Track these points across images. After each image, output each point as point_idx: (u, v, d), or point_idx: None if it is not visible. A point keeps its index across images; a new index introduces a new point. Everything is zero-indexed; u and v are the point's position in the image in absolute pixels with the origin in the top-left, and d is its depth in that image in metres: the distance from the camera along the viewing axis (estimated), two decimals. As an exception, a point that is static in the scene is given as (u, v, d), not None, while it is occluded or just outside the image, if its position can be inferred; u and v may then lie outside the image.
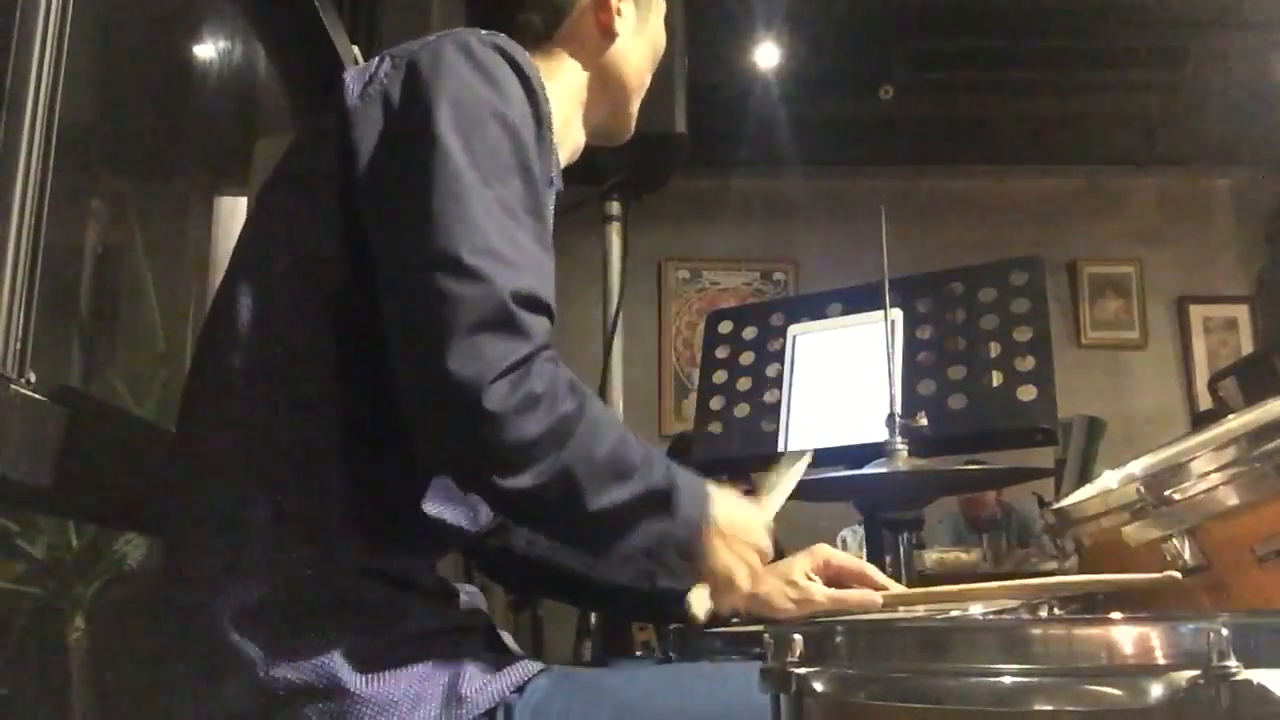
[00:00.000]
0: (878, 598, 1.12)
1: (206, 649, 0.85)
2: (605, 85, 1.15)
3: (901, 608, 1.13)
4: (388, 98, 0.92)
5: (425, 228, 0.84)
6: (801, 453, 1.29)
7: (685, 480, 0.93)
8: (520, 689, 0.89)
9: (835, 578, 1.16)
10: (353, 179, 0.91)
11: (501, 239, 0.85)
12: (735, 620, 1.15)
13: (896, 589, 1.15)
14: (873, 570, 1.17)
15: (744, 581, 0.98)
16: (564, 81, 1.11)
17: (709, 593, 0.99)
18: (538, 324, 0.84)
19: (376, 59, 0.96)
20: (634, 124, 1.21)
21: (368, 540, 0.89)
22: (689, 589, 1.00)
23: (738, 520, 0.99)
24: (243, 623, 0.84)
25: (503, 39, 0.97)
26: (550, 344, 0.85)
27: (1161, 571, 0.96)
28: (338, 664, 0.83)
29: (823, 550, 1.17)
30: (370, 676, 0.84)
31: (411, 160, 0.87)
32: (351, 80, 0.94)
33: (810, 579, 1.14)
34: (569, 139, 1.14)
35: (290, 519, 0.87)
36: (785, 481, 1.23)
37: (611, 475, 0.86)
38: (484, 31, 0.98)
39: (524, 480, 0.82)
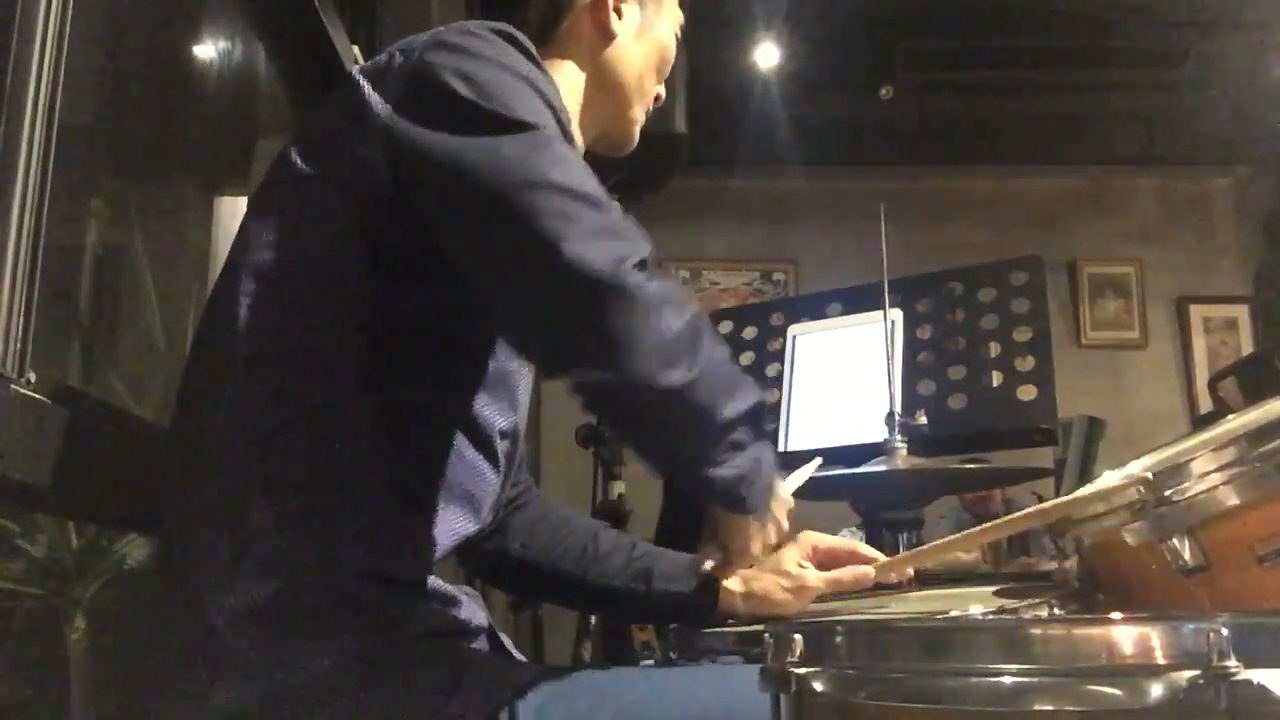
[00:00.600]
0: (870, 570, 1.12)
1: (206, 650, 0.84)
2: (602, 86, 1.14)
3: (894, 574, 1.15)
4: (413, 90, 0.90)
5: (512, 166, 0.83)
6: (811, 457, 1.30)
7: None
8: (521, 692, 0.89)
9: (825, 560, 1.16)
10: (374, 175, 0.89)
11: (587, 175, 0.86)
12: (734, 621, 1.15)
13: (884, 559, 1.16)
14: (859, 545, 1.18)
15: (756, 546, 1.03)
16: (562, 81, 1.11)
17: (746, 538, 1.03)
18: (645, 236, 0.85)
19: (385, 56, 0.95)
20: (637, 133, 1.20)
21: (370, 542, 0.89)
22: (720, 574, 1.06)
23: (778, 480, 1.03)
24: (242, 624, 0.84)
25: (503, 25, 0.97)
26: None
27: (1164, 571, 0.96)
28: (338, 666, 0.83)
29: (809, 536, 1.18)
30: (369, 677, 0.84)
31: (471, 130, 0.86)
32: (362, 79, 0.93)
33: (802, 566, 1.15)
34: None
35: (289, 521, 0.87)
36: (790, 482, 1.24)
37: (733, 384, 0.87)
38: (488, 22, 0.98)
39: (676, 376, 0.81)
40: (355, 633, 0.85)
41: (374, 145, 0.89)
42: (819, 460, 1.31)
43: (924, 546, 1.21)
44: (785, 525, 1.06)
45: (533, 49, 0.96)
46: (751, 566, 1.11)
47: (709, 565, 1.06)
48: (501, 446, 1.04)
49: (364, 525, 0.89)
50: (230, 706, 0.83)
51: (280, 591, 0.85)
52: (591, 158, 1.19)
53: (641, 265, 0.80)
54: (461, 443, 0.98)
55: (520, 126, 0.86)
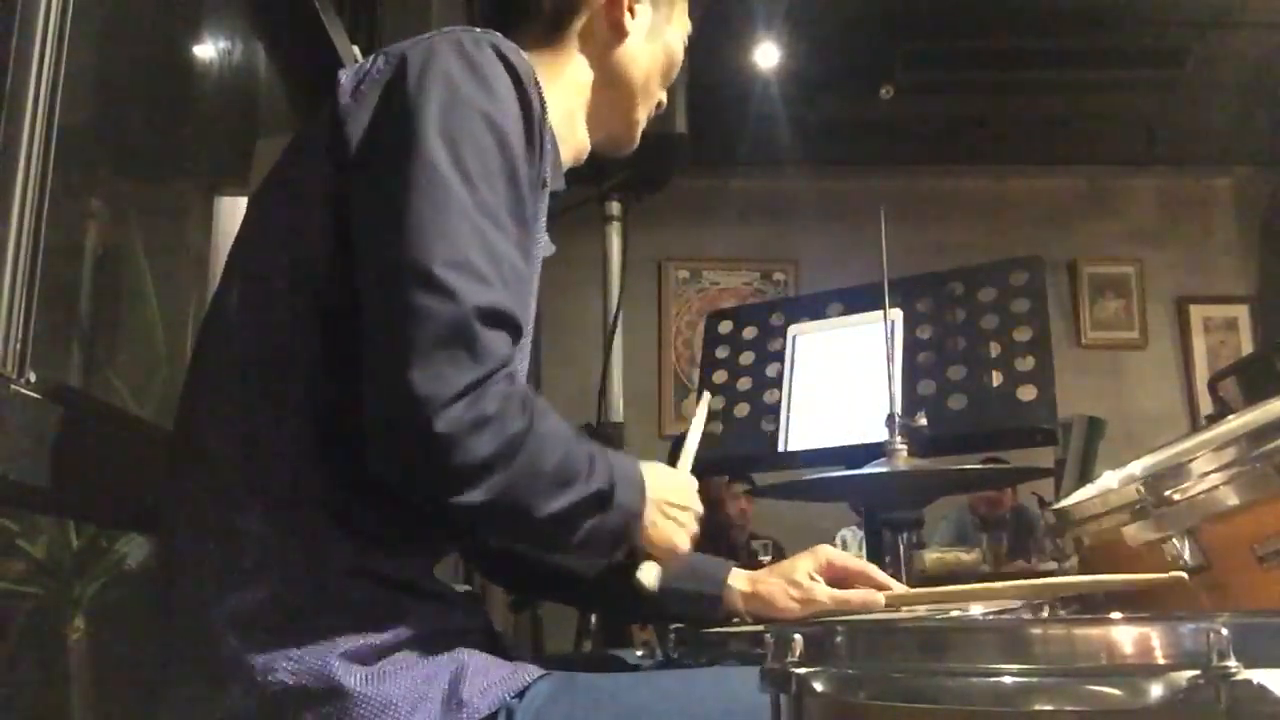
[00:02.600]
0: (880, 597, 1.12)
1: (205, 654, 0.84)
2: (610, 84, 1.14)
3: (904, 608, 1.13)
4: (378, 97, 0.91)
5: (403, 236, 0.84)
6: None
7: (622, 473, 0.96)
8: (521, 694, 0.89)
9: (838, 578, 1.16)
10: (342, 180, 0.90)
11: (478, 250, 0.85)
12: (736, 621, 1.15)
13: (899, 588, 1.16)
14: (875, 570, 1.17)
15: (682, 543, 1.04)
16: (570, 77, 1.11)
17: (654, 561, 1.05)
18: (499, 341, 0.85)
19: (371, 58, 0.95)
20: (639, 134, 1.20)
21: (365, 543, 0.89)
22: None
23: (668, 490, 1.04)
24: (240, 627, 0.84)
25: (497, 37, 0.96)
26: (509, 360, 0.86)
27: (1164, 571, 0.96)
28: (336, 666, 0.83)
29: (825, 551, 1.18)
30: (369, 678, 0.84)
31: (396, 163, 0.87)
32: (345, 79, 0.94)
33: (813, 579, 1.15)
34: (572, 138, 1.13)
35: (285, 523, 0.87)
36: (693, 427, 1.27)
37: (556, 485, 0.89)
38: (479, 30, 0.97)
39: (474, 497, 0.84)
40: (354, 633, 0.85)
41: (341, 152, 0.91)
42: (707, 395, 1.36)
43: (942, 589, 1.21)
44: (698, 507, 1.07)
45: (521, 66, 0.95)
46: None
47: (649, 576, 1.06)
48: None
49: (357, 527, 0.89)
50: (232, 708, 0.83)
51: (276, 593, 0.85)
52: (591, 152, 1.19)
53: (473, 386, 0.82)
54: None
55: (443, 173, 0.86)
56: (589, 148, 1.17)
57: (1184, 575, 0.94)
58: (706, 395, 1.37)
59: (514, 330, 0.87)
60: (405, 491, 0.88)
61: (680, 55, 1.21)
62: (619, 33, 1.12)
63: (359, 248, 0.89)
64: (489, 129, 0.90)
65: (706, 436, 1.83)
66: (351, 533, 0.88)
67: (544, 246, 1.08)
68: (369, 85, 0.92)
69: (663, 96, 1.22)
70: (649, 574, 1.03)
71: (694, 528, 1.06)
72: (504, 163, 0.90)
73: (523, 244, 0.91)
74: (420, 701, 0.85)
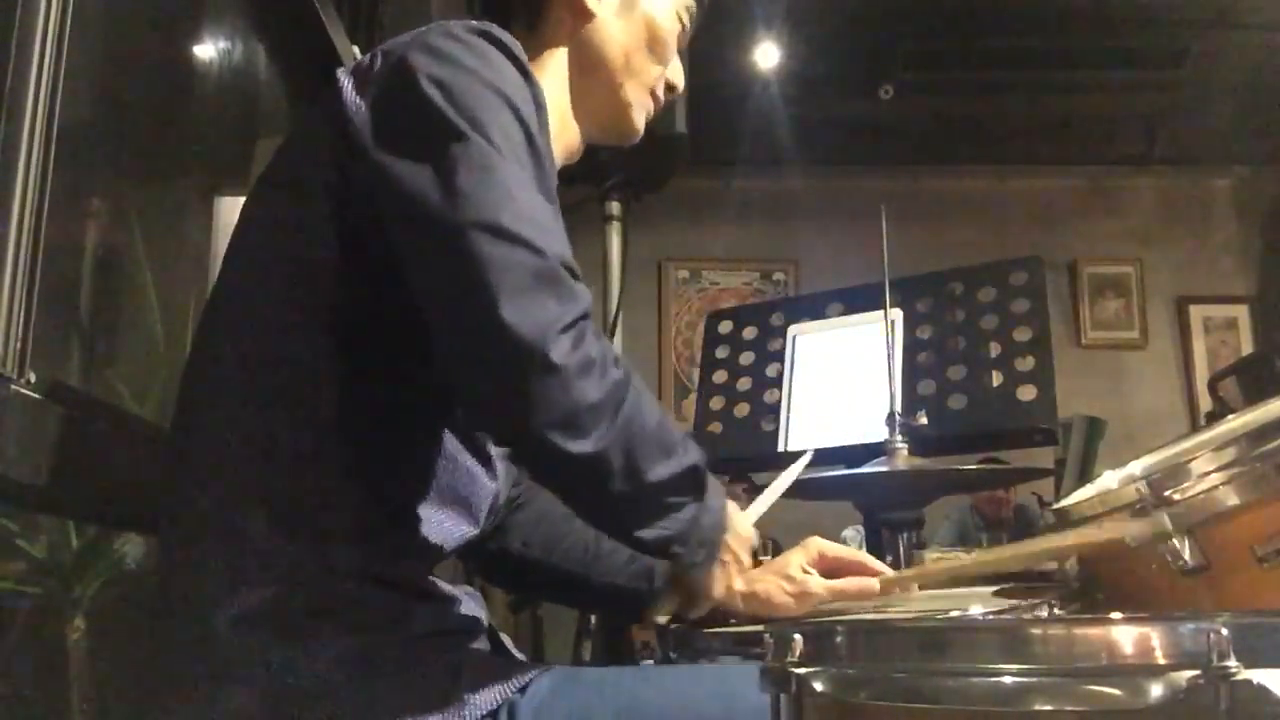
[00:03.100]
0: (874, 584, 1.12)
1: (207, 656, 0.84)
2: (587, 69, 1.11)
3: (899, 589, 1.14)
4: (387, 94, 0.90)
5: (459, 201, 0.82)
6: (802, 453, 1.30)
7: (710, 478, 0.95)
8: (522, 690, 0.89)
9: (831, 569, 1.16)
10: (353, 178, 0.89)
11: (537, 207, 0.85)
12: (734, 621, 1.15)
13: (891, 574, 1.16)
14: (867, 557, 1.17)
15: (738, 579, 1.04)
16: (553, 72, 1.09)
17: (702, 587, 1.03)
18: (581, 289, 0.84)
19: (369, 56, 0.95)
20: (638, 118, 1.16)
21: (366, 545, 0.89)
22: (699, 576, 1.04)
23: (735, 516, 1.02)
24: (242, 629, 0.84)
25: (492, 25, 0.96)
26: (591, 309, 0.85)
27: (1165, 570, 0.96)
28: (338, 668, 0.83)
29: (816, 543, 1.18)
30: (370, 679, 0.84)
31: (431, 149, 0.86)
32: (345, 79, 0.93)
33: (807, 572, 1.15)
34: (563, 135, 1.11)
35: (286, 525, 0.86)
36: (780, 481, 1.24)
37: (660, 448, 0.87)
38: (473, 21, 0.96)
39: (587, 444, 0.82)
40: (353, 633, 0.85)
41: (348, 149, 0.89)
42: (807, 457, 1.31)
43: (933, 567, 1.21)
44: (747, 562, 1.07)
45: (518, 50, 0.95)
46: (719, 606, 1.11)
47: (665, 612, 1.07)
48: (497, 450, 1.03)
49: (358, 528, 0.89)
50: (233, 711, 0.83)
51: (278, 595, 0.85)
52: (590, 152, 1.18)
53: (571, 325, 0.81)
54: (455, 447, 0.98)
55: (480, 145, 0.85)
56: (581, 144, 1.15)
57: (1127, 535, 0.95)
58: (808, 454, 1.33)
59: (576, 275, 0.86)
60: (515, 439, 0.87)
61: (672, 25, 1.15)
62: (584, 14, 1.10)
63: (404, 233, 0.87)
64: (505, 105, 0.89)
65: (706, 436, 1.84)
66: (355, 534, 0.88)
67: None
68: (374, 83, 0.91)
69: (674, 77, 1.18)
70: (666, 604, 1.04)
71: (748, 565, 1.06)
72: (526, 140, 0.90)
73: (558, 217, 0.90)
74: (422, 701, 0.85)
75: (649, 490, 0.88)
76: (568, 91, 1.11)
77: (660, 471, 0.88)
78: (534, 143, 0.91)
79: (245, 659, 0.83)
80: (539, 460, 0.90)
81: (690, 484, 0.92)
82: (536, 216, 0.84)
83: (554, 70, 1.10)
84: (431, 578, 0.98)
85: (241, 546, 0.86)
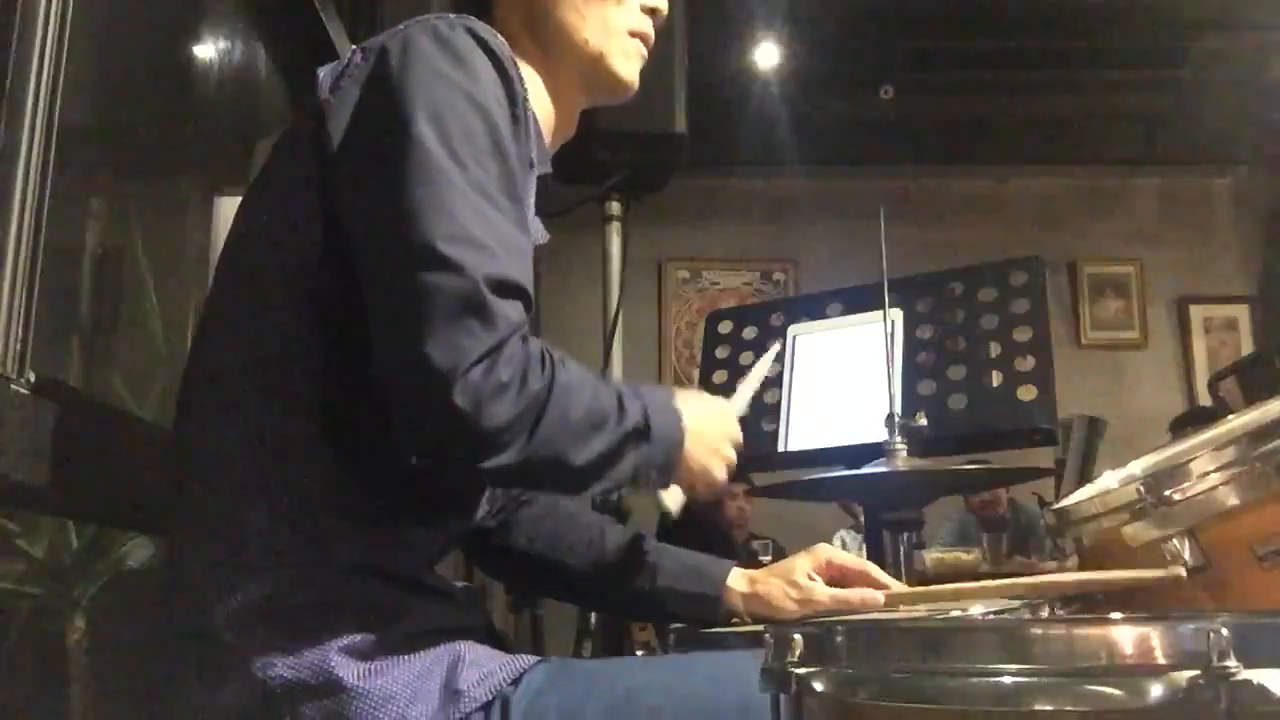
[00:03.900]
0: (880, 596, 1.12)
1: (205, 649, 0.85)
2: (547, 38, 1.08)
3: (903, 606, 1.13)
4: (359, 90, 0.91)
5: (401, 218, 0.84)
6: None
7: (657, 405, 0.96)
8: (515, 682, 0.89)
9: (837, 577, 1.16)
10: (327, 174, 0.90)
11: (477, 224, 0.86)
12: (736, 620, 1.15)
13: (899, 587, 1.15)
14: (874, 569, 1.17)
15: (719, 472, 1.03)
16: (527, 51, 1.08)
17: (684, 488, 1.04)
18: (510, 309, 0.85)
19: (351, 51, 0.95)
20: (620, 66, 1.10)
21: (364, 538, 0.89)
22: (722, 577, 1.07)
23: (709, 418, 1.04)
24: (240, 623, 0.84)
25: (472, 20, 0.96)
26: (522, 326, 0.86)
27: (1163, 570, 0.96)
28: (335, 661, 0.84)
29: (824, 550, 1.18)
30: (368, 672, 0.84)
31: (385, 151, 0.87)
32: (324, 75, 0.94)
33: (812, 579, 1.14)
34: (551, 117, 1.10)
35: (285, 518, 0.87)
36: (755, 371, 1.29)
37: (589, 429, 0.89)
38: (453, 15, 0.96)
39: (506, 459, 0.85)
40: (353, 628, 0.85)
41: (321, 145, 0.91)
42: (777, 346, 1.37)
43: (942, 587, 1.20)
44: (736, 435, 1.08)
45: (497, 44, 0.94)
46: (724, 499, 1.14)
47: (679, 503, 1.06)
48: None
49: (359, 522, 0.89)
50: (231, 704, 0.83)
51: (277, 588, 0.85)
52: (591, 152, 1.16)
53: (487, 354, 0.83)
54: None
55: (433, 155, 0.86)
56: (573, 117, 1.14)
57: (1182, 572, 0.94)
58: (777, 346, 1.39)
59: (523, 297, 0.88)
60: (440, 465, 0.89)
61: None
62: None
63: (356, 236, 0.89)
64: (473, 108, 0.89)
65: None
66: (354, 529, 0.89)
67: (538, 233, 1.07)
68: (348, 80, 0.92)
69: (643, 24, 1.12)
70: (673, 498, 1.03)
71: (730, 455, 1.05)
72: (491, 142, 0.90)
73: (519, 220, 0.91)
74: (418, 694, 0.85)
75: (584, 468, 0.90)
76: (539, 68, 1.09)
77: (591, 450, 0.90)
78: (501, 145, 0.90)
79: (243, 653, 0.83)
80: (472, 477, 0.94)
81: (630, 441, 0.92)
82: (474, 233, 0.85)
83: (528, 49, 1.08)
84: (432, 573, 0.98)
85: (239, 541, 0.86)
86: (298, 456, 0.89)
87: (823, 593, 1.13)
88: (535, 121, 1.03)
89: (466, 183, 0.87)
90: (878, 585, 1.14)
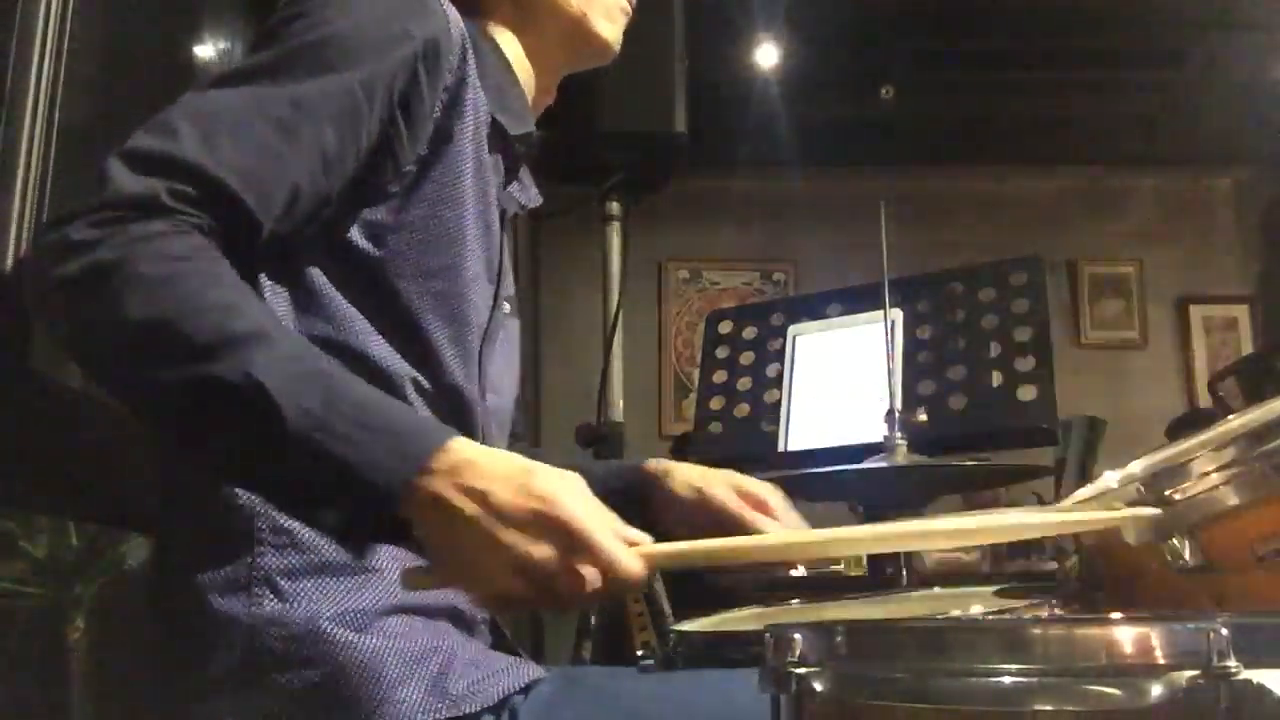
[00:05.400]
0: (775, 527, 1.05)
1: (194, 622, 0.85)
2: (524, 3, 1.08)
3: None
4: None
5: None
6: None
7: (374, 404, 0.73)
8: (525, 690, 0.89)
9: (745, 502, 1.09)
10: None
11: (182, 112, 0.81)
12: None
13: (792, 528, 1.07)
14: (776, 502, 1.09)
15: (489, 581, 0.71)
16: (500, 17, 1.08)
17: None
18: (129, 180, 0.76)
19: None
20: (600, 27, 1.10)
21: None
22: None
23: (534, 470, 0.73)
24: (227, 594, 0.84)
25: None
26: (141, 198, 0.75)
27: (1164, 570, 0.96)
28: (325, 631, 0.83)
29: (738, 478, 1.11)
30: (357, 644, 0.84)
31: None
32: None
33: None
34: (524, 78, 1.09)
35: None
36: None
37: (171, 339, 0.70)
38: None
39: (58, 324, 0.76)
40: (342, 596, 0.85)
41: None
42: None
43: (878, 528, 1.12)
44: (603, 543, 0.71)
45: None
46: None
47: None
48: (484, 417, 1.02)
49: None
50: (221, 674, 0.83)
51: (262, 559, 0.85)
52: (591, 152, 1.16)
53: (78, 214, 0.74)
54: (440, 403, 0.96)
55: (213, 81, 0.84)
56: (552, 83, 1.13)
57: (1155, 512, 0.93)
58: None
59: (173, 173, 0.77)
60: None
61: None
62: None
63: None
64: (318, 31, 0.87)
65: (706, 436, 1.84)
66: None
67: (530, 196, 1.07)
68: None
69: None
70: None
71: (506, 584, 0.70)
72: (321, 61, 0.85)
73: (315, 136, 0.84)
74: (406, 679, 0.84)
75: (146, 394, 0.74)
76: (518, 30, 1.09)
77: (160, 372, 0.71)
78: (339, 68, 0.86)
79: (230, 623, 0.83)
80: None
81: (226, 402, 0.70)
82: (171, 117, 0.81)
83: (501, 14, 1.08)
84: None
85: (223, 514, 0.86)
86: None
87: (724, 499, 1.07)
88: (501, 78, 1.02)
89: (233, 89, 0.84)
90: (770, 514, 1.07)
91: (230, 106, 0.82)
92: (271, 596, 0.84)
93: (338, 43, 0.87)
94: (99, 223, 0.73)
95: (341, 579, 0.86)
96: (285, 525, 0.86)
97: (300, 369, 0.72)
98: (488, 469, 0.71)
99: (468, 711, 0.85)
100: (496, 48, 1.06)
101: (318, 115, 0.84)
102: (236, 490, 0.86)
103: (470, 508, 0.69)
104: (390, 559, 0.89)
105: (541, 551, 0.69)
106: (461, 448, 0.72)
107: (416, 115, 0.92)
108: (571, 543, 0.69)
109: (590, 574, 0.69)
